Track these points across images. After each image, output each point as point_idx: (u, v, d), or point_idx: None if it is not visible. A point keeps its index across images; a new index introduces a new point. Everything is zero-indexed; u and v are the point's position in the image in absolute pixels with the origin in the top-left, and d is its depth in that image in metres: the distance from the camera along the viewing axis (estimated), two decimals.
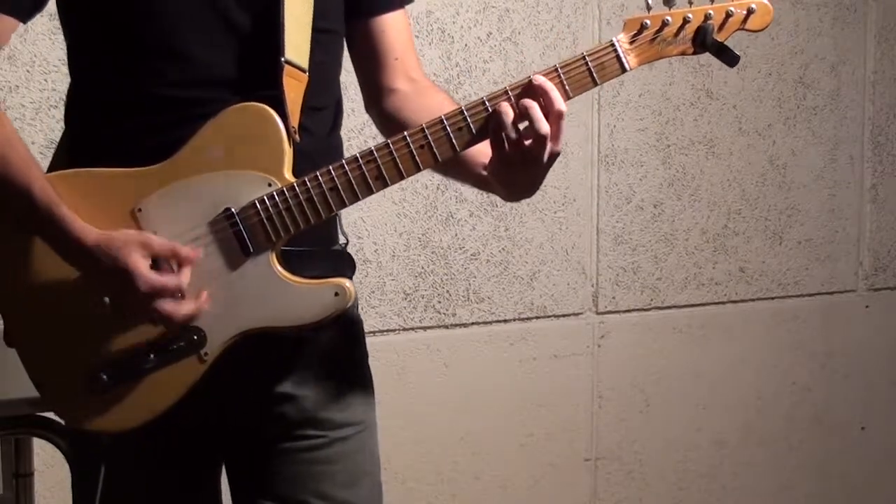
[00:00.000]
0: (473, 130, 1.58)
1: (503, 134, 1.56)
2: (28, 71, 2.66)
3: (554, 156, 1.58)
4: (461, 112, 1.57)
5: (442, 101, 1.77)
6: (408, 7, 1.84)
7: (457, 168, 1.70)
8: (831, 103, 3.44)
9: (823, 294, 3.51)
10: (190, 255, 1.56)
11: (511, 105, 1.56)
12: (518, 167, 1.58)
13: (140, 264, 1.53)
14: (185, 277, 1.55)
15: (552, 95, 1.55)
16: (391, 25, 1.79)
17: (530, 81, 1.56)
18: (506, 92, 1.57)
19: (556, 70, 1.58)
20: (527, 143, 1.56)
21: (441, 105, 1.71)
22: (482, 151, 1.64)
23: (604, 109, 3.20)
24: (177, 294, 1.55)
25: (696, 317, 3.38)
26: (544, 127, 1.55)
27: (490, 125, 1.57)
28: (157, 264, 1.55)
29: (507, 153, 1.57)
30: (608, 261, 3.26)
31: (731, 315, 3.42)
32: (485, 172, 1.66)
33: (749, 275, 3.42)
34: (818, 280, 3.50)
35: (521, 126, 1.55)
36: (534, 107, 1.55)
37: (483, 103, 1.57)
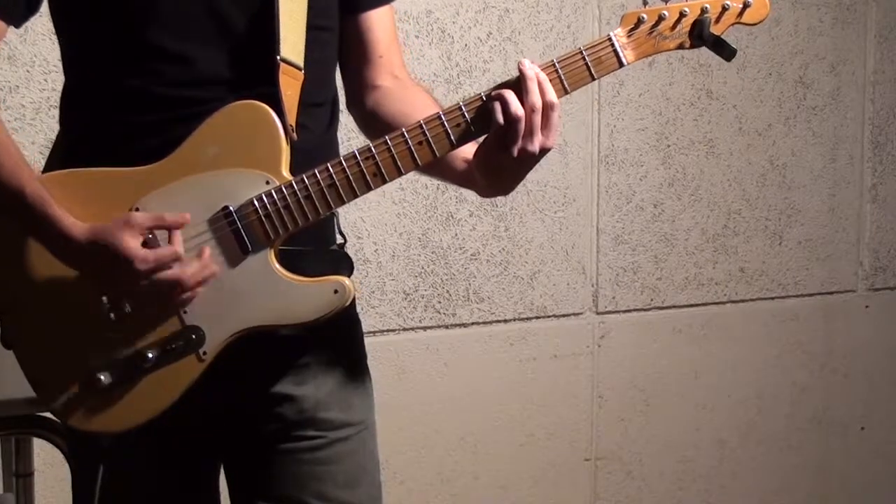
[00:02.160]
0: (471, 125, 1.58)
1: (505, 112, 1.56)
2: (28, 71, 2.67)
3: (544, 150, 1.58)
4: (459, 107, 1.58)
5: (424, 99, 1.77)
6: (404, 7, 1.83)
7: (437, 164, 1.67)
8: (831, 103, 3.44)
9: (823, 294, 3.51)
10: (176, 220, 1.56)
11: (510, 89, 1.57)
12: (510, 152, 1.57)
13: (133, 245, 1.53)
14: (177, 243, 1.55)
15: (545, 87, 1.57)
16: (377, 22, 1.79)
17: (523, 72, 1.57)
18: (505, 84, 1.58)
19: (554, 65, 1.59)
20: (523, 121, 1.56)
21: (424, 103, 1.72)
22: (464, 148, 1.64)
23: (604, 109, 3.20)
24: (175, 261, 1.54)
25: (696, 317, 3.38)
26: (537, 100, 1.55)
27: (491, 105, 1.57)
28: (147, 243, 1.54)
29: (505, 134, 1.56)
30: (608, 261, 3.26)
31: (731, 315, 3.42)
32: (465, 166, 1.66)
33: (749, 275, 3.42)
34: (818, 280, 3.50)
35: (521, 109, 1.55)
36: (531, 80, 1.56)
37: (480, 98, 1.58)
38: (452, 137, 1.58)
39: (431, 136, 1.58)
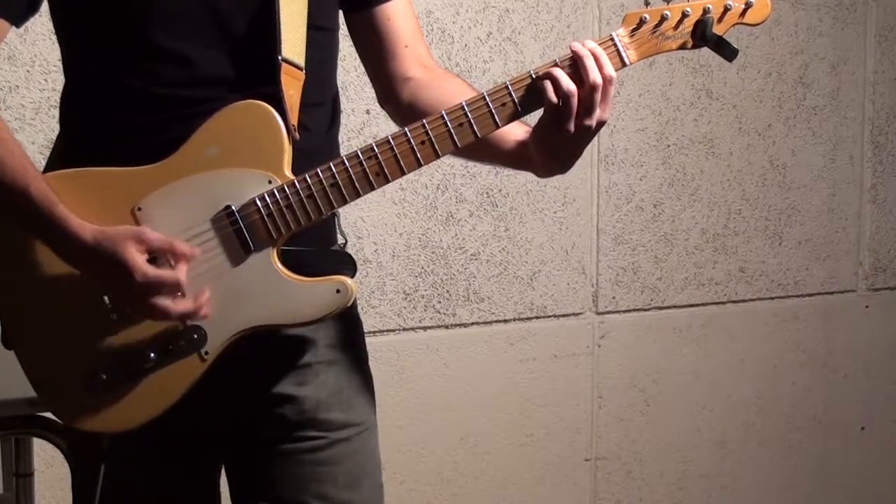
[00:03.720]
0: (473, 125, 1.58)
1: (556, 90, 1.55)
2: (28, 71, 2.66)
3: (601, 124, 1.58)
4: (462, 107, 1.57)
5: (459, 85, 1.76)
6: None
7: (487, 148, 1.67)
8: (831, 103, 3.44)
9: (823, 294, 3.52)
10: (186, 252, 1.55)
11: (563, 67, 1.57)
12: (566, 129, 1.57)
13: (136, 257, 1.52)
14: (182, 273, 1.54)
15: (602, 60, 1.56)
16: (396, 12, 1.77)
17: (582, 45, 1.57)
18: (555, 63, 1.58)
19: (556, 65, 1.58)
20: (580, 98, 1.56)
21: (460, 90, 1.70)
22: (514, 130, 1.64)
23: None
24: (174, 289, 1.54)
25: (696, 317, 3.38)
26: (598, 78, 1.55)
27: (543, 85, 1.56)
28: (155, 261, 1.54)
29: (557, 110, 1.56)
30: (608, 261, 3.26)
31: (731, 315, 3.42)
32: (518, 147, 1.66)
33: (749, 275, 3.42)
34: (818, 280, 3.50)
35: (569, 84, 1.55)
36: (590, 66, 1.55)
37: (483, 98, 1.57)
38: (455, 137, 1.58)
39: (434, 136, 1.57)
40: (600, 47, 1.58)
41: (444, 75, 1.80)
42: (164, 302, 1.53)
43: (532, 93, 1.58)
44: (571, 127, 1.57)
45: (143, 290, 1.52)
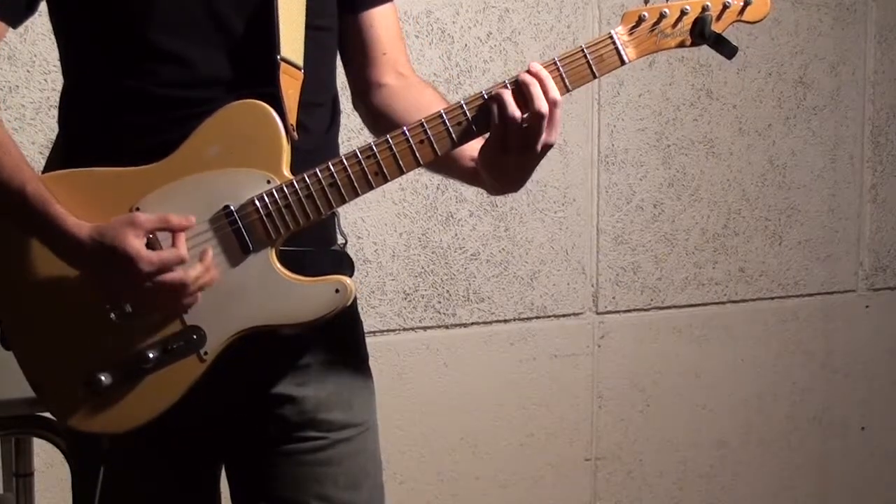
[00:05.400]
0: (473, 124, 1.58)
1: (501, 113, 1.55)
2: (28, 71, 2.67)
3: (547, 147, 1.58)
4: (460, 106, 1.58)
5: (431, 96, 1.77)
6: (404, 6, 1.82)
7: (444, 162, 1.67)
8: (831, 103, 3.44)
9: (823, 294, 3.51)
10: (182, 223, 1.55)
11: (511, 90, 1.56)
12: (512, 151, 1.58)
13: (138, 246, 1.52)
14: (182, 248, 1.54)
15: (548, 84, 1.56)
16: (379, 20, 1.78)
17: (528, 70, 1.57)
18: (505, 84, 1.58)
19: (555, 63, 1.58)
20: (524, 124, 1.56)
21: (430, 101, 1.72)
22: (471, 145, 1.63)
23: (604, 109, 3.20)
24: (179, 264, 1.54)
25: (696, 317, 3.38)
26: (543, 105, 1.55)
27: (489, 105, 1.56)
28: (151, 244, 1.54)
29: (504, 134, 1.56)
30: (608, 261, 3.26)
31: (731, 315, 3.41)
32: (473, 164, 1.66)
33: (749, 275, 3.42)
34: (818, 280, 3.50)
35: (518, 110, 1.55)
36: (533, 84, 1.55)
37: (482, 97, 1.57)
38: (454, 136, 1.58)
39: (433, 135, 1.57)
40: (545, 70, 1.57)
41: (416, 86, 1.80)
42: (176, 276, 1.53)
43: (484, 113, 1.58)
44: (517, 149, 1.57)
45: (151, 275, 1.52)
